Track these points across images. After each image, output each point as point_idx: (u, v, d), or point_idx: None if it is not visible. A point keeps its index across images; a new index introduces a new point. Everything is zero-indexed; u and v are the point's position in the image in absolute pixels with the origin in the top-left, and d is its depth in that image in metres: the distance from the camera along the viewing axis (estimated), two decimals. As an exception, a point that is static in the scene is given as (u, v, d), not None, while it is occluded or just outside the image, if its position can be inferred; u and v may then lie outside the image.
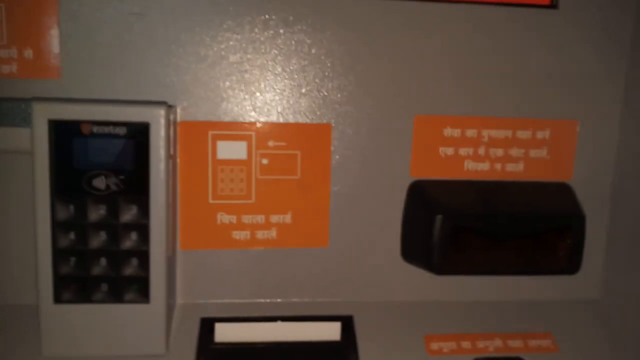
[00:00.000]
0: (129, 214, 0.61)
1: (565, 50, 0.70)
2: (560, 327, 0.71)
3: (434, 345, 0.68)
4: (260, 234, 0.69)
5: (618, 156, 0.73)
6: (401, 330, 0.69)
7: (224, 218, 0.68)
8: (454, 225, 0.66)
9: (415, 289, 0.72)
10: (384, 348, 0.67)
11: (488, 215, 0.67)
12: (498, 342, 0.69)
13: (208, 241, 0.69)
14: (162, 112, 0.59)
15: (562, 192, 0.71)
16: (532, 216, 0.68)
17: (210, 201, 0.68)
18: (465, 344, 0.68)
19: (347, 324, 0.69)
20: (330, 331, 0.69)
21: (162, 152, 0.60)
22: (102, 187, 0.60)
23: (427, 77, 0.68)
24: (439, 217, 0.66)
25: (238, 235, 0.69)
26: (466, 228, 0.67)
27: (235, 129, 0.67)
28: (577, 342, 0.70)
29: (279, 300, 0.71)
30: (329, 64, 0.67)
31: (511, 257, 0.69)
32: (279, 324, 0.69)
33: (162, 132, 0.60)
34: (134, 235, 0.62)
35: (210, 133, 0.66)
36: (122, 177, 0.60)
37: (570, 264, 0.69)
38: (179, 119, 0.66)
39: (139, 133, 0.60)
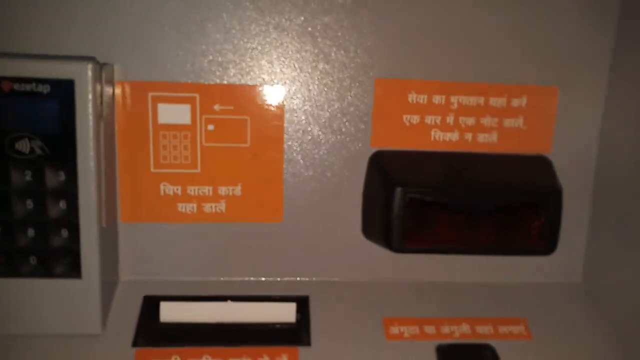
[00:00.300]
0: (56, 181, 0.56)
1: (547, 9, 0.63)
2: (536, 313, 0.65)
3: (394, 329, 0.62)
4: (207, 207, 0.64)
5: (603, 127, 0.66)
6: (360, 313, 0.64)
7: (167, 189, 0.63)
8: (415, 199, 0.61)
9: (376, 269, 0.66)
10: (340, 332, 0.62)
11: (453, 189, 0.61)
12: (465, 328, 0.63)
13: (152, 214, 0.64)
14: (88, 68, 0.54)
15: (539, 166, 0.65)
16: (503, 190, 0.62)
17: (152, 170, 0.63)
18: (429, 329, 0.62)
19: (303, 305, 0.64)
20: (285, 312, 0.64)
21: (89, 113, 0.55)
22: (26, 151, 0.56)
23: (390, 36, 0.62)
24: (398, 190, 0.61)
25: (183, 208, 0.64)
26: (429, 202, 0.61)
27: (177, 90, 0.61)
28: (553, 329, 0.64)
29: (229, 278, 0.66)
30: (282, 21, 0.61)
31: (480, 235, 0.63)
32: (229, 304, 0.64)
33: (89, 91, 0.55)
34: (62, 204, 0.57)
35: (150, 94, 0.61)
36: (47, 140, 0.55)
37: (544, 243, 0.62)
38: (116, 78, 0.60)
39: (64, 91, 0.55)
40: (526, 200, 0.62)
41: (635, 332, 0.60)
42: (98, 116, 0.56)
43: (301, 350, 0.60)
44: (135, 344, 0.59)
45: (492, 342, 0.62)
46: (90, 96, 0.55)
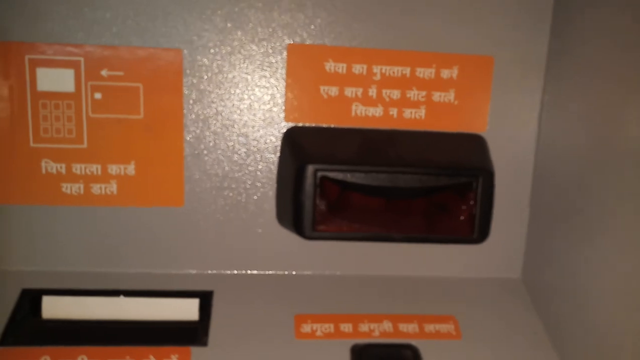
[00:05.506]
0: None
1: None
2: (468, 310, 0.58)
3: (306, 327, 0.55)
4: (96, 188, 0.57)
5: (544, 103, 0.59)
6: (269, 309, 0.57)
7: (49, 166, 0.56)
8: (328, 179, 0.54)
9: (289, 259, 0.59)
10: (244, 331, 0.54)
11: (372, 168, 0.54)
12: (387, 326, 0.56)
13: (32, 195, 0.56)
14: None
15: (471, 146, 0.58)
16: (427, 171, 0.55)
17: (32, 144, 0.55)
18: (345, 327, 0.55)
19: (206, 300, 0.57)
20: (186, 309, 0.57)
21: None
22: None
23: None
24: (309, 168, 0.53)
25: (68, 188, 0.56)
26: (344, 183, 0.54)
27: (58, 53, 0.54)
28: (485, 329, 0.57)
29: (123, 270, 0.58)
30: None
31: (402, 220, 0.56)
32: (122, 299, 0.57)
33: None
34: None
35: (27, 57, 0.54)
36: None
37: (474, 230, 0.55)
38: (-15, 38, 0.53)
39: None
40: (453, 182, 0.55)
41: (574, 335, 0.53)
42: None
43: (194, 351, 0.52)
44: (2, 342, 0.51)
45: (416, 342, 0.54)
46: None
